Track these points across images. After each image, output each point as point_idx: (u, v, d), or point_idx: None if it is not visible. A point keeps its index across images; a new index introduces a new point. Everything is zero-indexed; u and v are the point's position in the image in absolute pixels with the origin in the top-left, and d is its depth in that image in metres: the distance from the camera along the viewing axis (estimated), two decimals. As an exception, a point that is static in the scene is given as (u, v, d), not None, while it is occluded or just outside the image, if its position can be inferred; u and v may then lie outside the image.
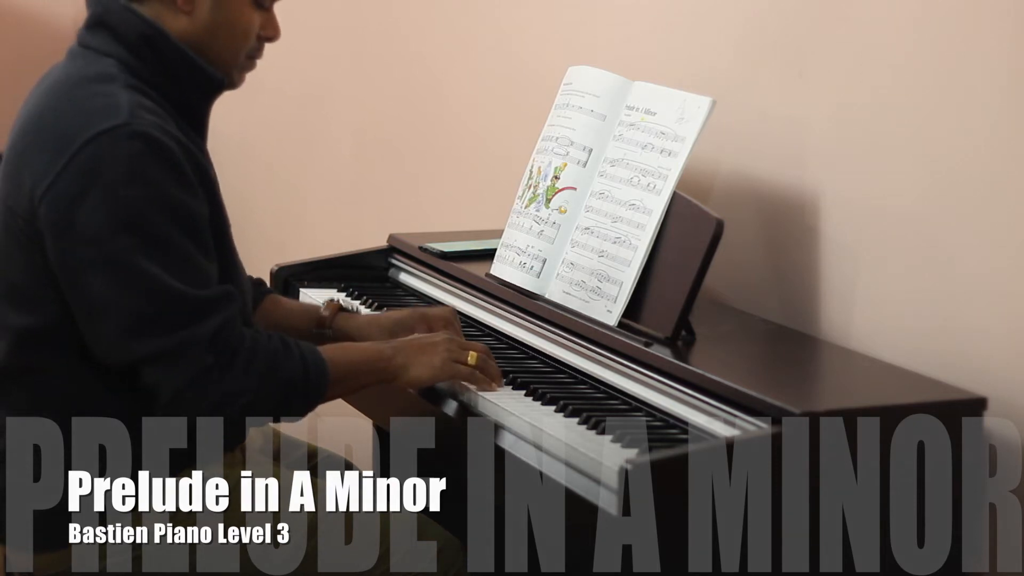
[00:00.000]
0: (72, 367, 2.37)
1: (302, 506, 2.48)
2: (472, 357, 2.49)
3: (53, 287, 2.33)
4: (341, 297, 2.83)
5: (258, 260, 3.73)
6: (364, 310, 2.83)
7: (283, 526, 2.47)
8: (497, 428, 2.40)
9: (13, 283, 2.37)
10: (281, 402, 2.36)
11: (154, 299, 2.27)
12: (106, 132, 2.28)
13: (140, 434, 2.40)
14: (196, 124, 2.43)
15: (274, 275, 3.06)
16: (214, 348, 2.30)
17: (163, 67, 2.38)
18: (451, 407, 2.51)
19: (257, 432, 2.71)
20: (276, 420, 2.43)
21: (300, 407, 2.39)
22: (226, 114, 4.17)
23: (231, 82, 2.47)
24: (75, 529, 2.40)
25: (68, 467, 2.38)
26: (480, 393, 2.47)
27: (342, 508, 2.51)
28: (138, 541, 2.41)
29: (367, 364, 2.46)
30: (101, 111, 2.30)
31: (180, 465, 2.44)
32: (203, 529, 2.44)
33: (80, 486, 2.38)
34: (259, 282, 2.77)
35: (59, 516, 2.39)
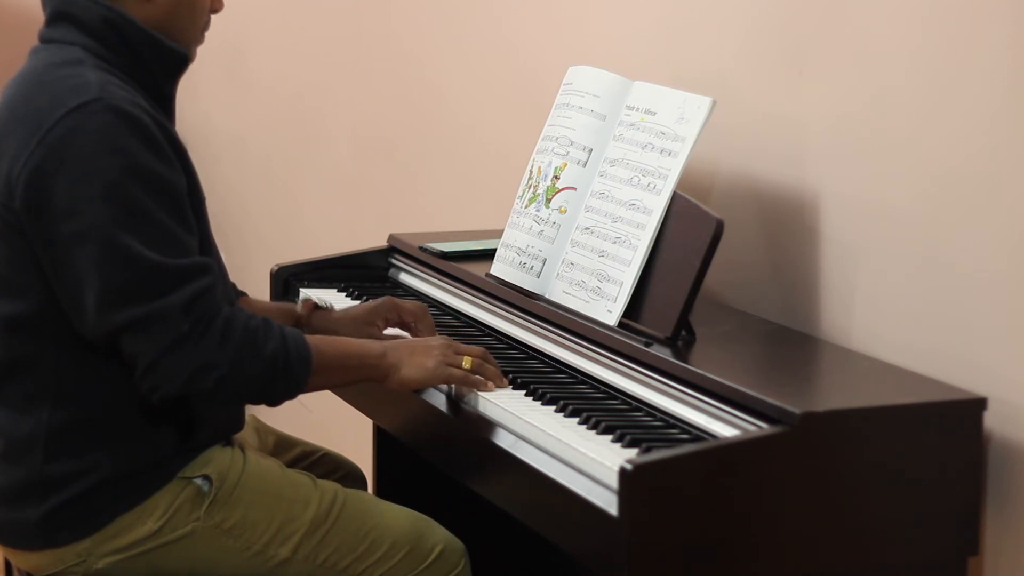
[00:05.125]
0: (61, 357, 2.38)
1: (302, 506, 2.49)
2: (467, 362, 2.48)
3: (35, 272, 2.35)
4: (316, 295, 2.83)
5: (257, 260, 3.73)
6: (339, 306, 2.83)
7: (283, 526, 2.47)
8: (497, 428, 2.40)
9: None
10: (260, 382, 2.35)
11: (130, 270, 2.28)
12: (78, 108, 2.31)
13: (136, 423, 2.40)
14: (164, 104, 2.46)
15: (274, 275, 3.06)
16: (189, 316, 2.30)
17: (128, 49, 2.41)
18: (451, 407, 2.51)
19: (251, 431, 2.72)
20: (257, 403, 2.41)
21: (280, 391, 2.38)
22: (224, 114, 4.17)
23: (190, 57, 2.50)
24: (73, 527, 2.41)
25: (62, 461, 2.39)
26: (480, 393, 2.47)
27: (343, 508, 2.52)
28: (137, 538, 2.41)
29: (355, 359, 2.45)
30: (72, 90, 2.33)
31: (180, 455, 2.44)
32: (203, 526, 2.44)
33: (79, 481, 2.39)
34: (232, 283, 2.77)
35: (55, 515, 2.40)
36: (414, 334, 2.68)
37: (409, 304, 2.71)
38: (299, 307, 2.74)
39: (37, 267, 2.35)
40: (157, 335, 2.29)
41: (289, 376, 2.37)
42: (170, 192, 2.33)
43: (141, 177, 2.30)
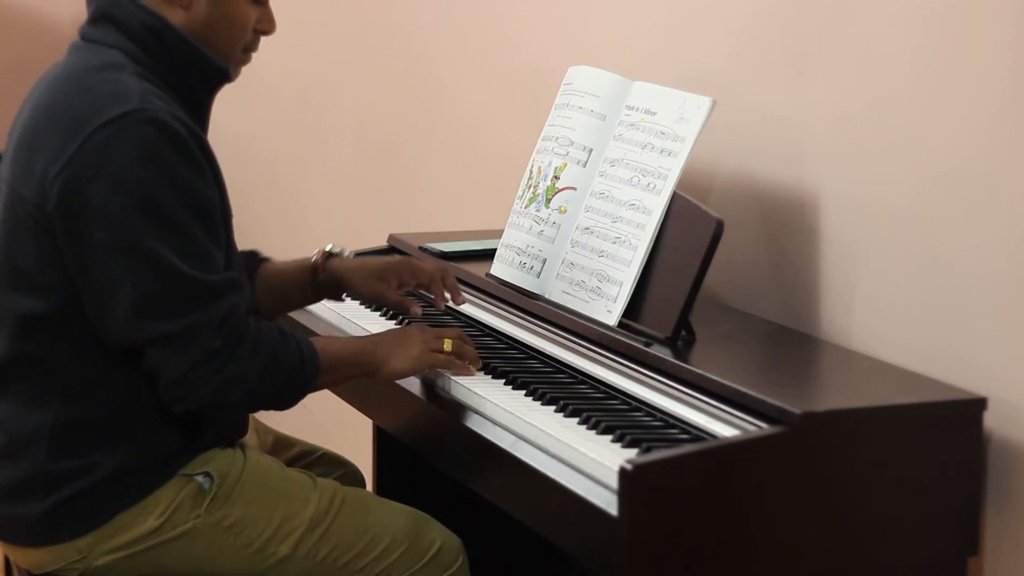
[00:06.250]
0: (76, 354, 2.38)
1: (302, 504, 2.49)
2: (448, 344, 2.52)
3: (61, 272, 2.35)
4: (331, 245, 2.81)
5: (258, 260, 3.72)
6: (353, 255, 2.81)
7: (283, 524, 2.47)
8: (497, 428, 2.40)
9: (18, 268, 2.38)
10: (278, 391, 2.39)
11: (165, 282, 2.30)
12: (119, 117, 2.30)
13: (142, 422, 2.40)
14: (199, 115, 2.45)
15: (274, 275, 3.05)
16: (222, 332, 2.32)
17: (169, 58, 2.40)
18: (451, 407, 2.51)
19: (252, 431, 2.72)
20: (272, 408, 2.44)
21: (294, 397, 2.43)
22: (226, 113, 4.18)
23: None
24: (74, 523, 2.41)
25: (66, 458, 2.39)
26: (480, 392, 2.47)
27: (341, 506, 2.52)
28: (137, 535, 2.42)
29: (352, 357, 2.49)
30: (113, 97, 2.32)
31: (182, 454, 2.44)
32: (203, 523, 2.44)
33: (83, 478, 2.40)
34: (254, 252, 2.77)
35: (57, 510, 2.40)
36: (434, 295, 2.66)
37: (427, 265, 2.67)
38: (315, 256, 2.72)
39: (63, 268, 2.35)
40: (189, 350, 2.31)
41: (303, 383, 2.41)
42: (204, 206, 2.34)
43: (177, 190, 2.31)
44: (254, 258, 2.76)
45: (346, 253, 2.73)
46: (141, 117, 2.30)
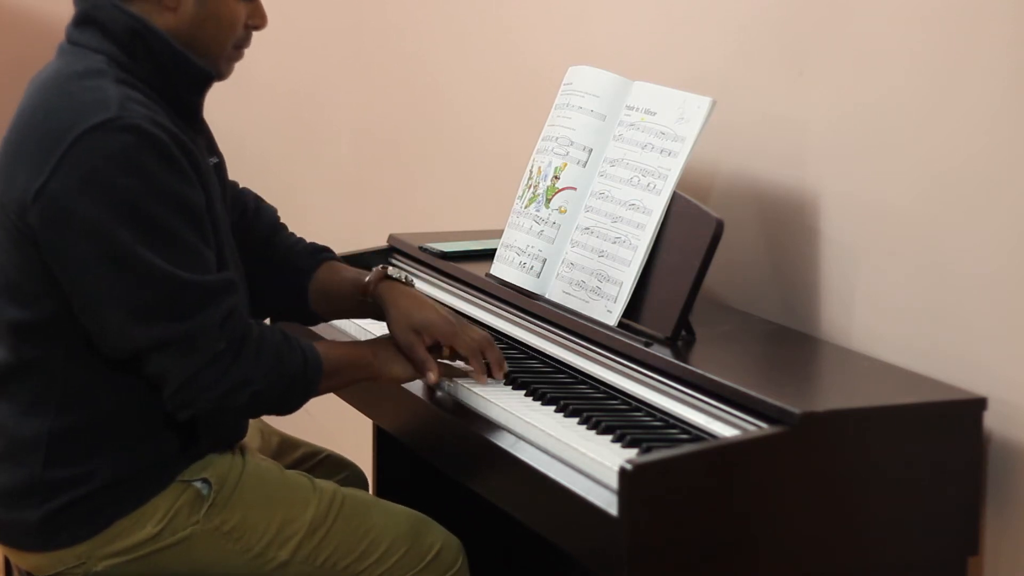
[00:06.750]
0: (71, 361, 2.37)
1: (301, 507, 2.49)
2: (446, 350, 2.50)
3: (49, 282, 2.33)
4: (391, 269, 2.66)
5: (258, 260, 3.72)
6: (415, 280, 2.69)
7: (283, 528, 2.47)
8: (497, 428, 2.40)
9: (8, 279, 2.38)
10: (283, 394, 2.38)
11: (158, 287, 2.28)
12: (96, 127, 2.28)
13: (139, 429, 2.40)
14: (188, 117, 2.43)
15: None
16: (224, 334, 2.31)
17: (152, 62, 2.38)
18: (451, 407, 2.51)
19: (255, 432, 2.72)
20: (276, 413, 2.44)
21: (298, 400, 2.42)
22: (224, 113, 4.19)
23: (219, 73, 2.46)
24: (72, 529, 2.41)
25: (63, 465, 2.39)
26: (480, 393, 2.47)
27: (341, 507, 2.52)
28: (136, 541, 2.41)
29: (353, 360, 2.49)
30: (91, 106, 2.30)
31: (180, 460, 2.44)
32: (202, 529, 2.44)
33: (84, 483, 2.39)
34: (323, 248, 2.73)
35: (55, 517, 2.39)
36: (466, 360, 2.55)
37: (470, 335, 2.53)
38: (370, 275, 2.60)
39: (48, 278, 2.33)
40: (193, 354, 2.30)
41: (306, 387, 2.40)
42: (191, 209, 2.32)
43: (161, 195, 2.29)
44: (319, 255, 2.69)
45: (404, 278, 2.60)
46: (117, 125, 2.28)
